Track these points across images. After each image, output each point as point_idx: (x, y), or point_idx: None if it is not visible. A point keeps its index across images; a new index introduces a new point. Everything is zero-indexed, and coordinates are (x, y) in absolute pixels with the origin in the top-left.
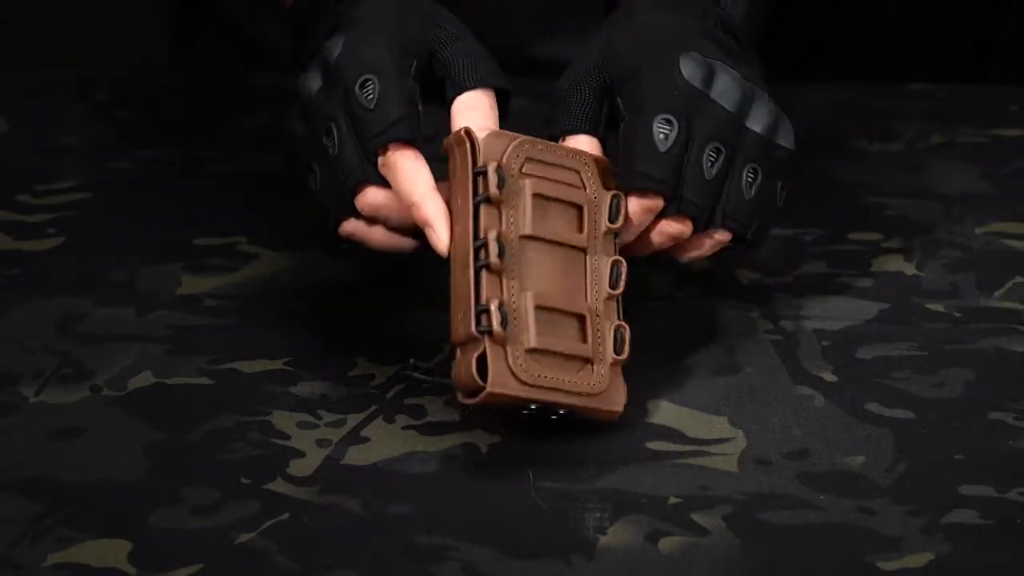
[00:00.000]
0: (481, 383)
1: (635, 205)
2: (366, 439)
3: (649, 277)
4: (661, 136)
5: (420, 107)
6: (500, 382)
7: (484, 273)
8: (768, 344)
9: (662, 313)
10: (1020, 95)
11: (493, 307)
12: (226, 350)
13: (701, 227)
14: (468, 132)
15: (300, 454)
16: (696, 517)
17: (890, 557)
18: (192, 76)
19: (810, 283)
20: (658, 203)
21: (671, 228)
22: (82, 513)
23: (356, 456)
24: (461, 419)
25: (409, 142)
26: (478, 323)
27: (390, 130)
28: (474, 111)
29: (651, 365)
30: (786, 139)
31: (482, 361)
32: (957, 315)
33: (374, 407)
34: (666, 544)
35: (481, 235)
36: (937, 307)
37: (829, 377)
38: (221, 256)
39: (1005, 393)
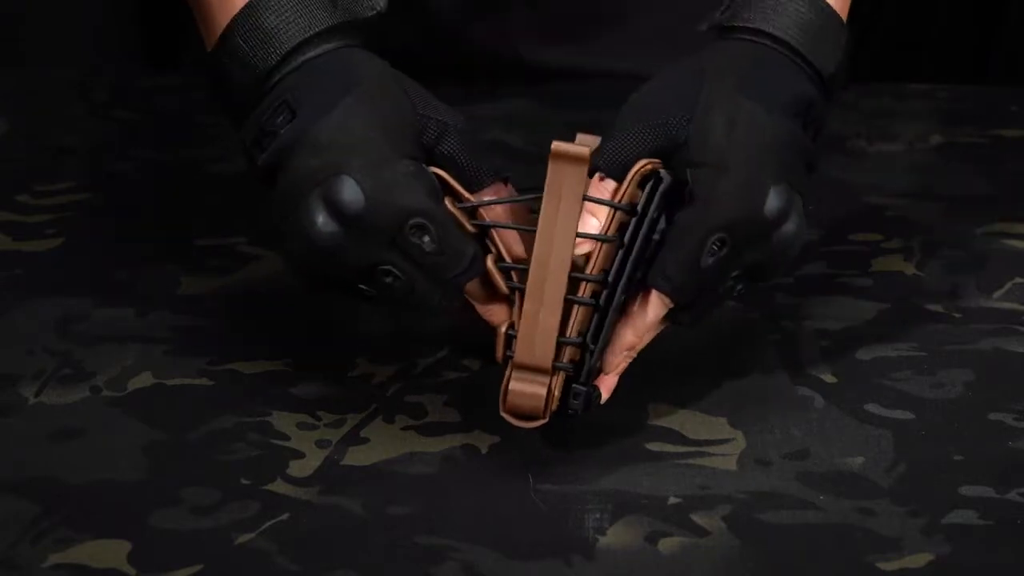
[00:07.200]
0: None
1: (652, 300)
2: (366, 439)
3: None
4: (710, 256)
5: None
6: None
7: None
8: (768, 344)
9: None
10: (1020, 95)
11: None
12: (226, 350)
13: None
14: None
15: (300, 455)
16: (696, 517)
17: (890, 558)
18: (192, 76)
19: (810, 283)
20: (669, 306)
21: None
22: (82, 513)
23: (356, 456)
24: (461, 419)
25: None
26: (507, 348)
27: (469, 271)
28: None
29: (651, 365)
30: (779, 275)
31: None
32: (957, 315)
33: (374, 407)
34: (666, 544)
35: None
36: (937, 307)
37: (829, 378)
38: (221, 257)
39: (1005, 393)
